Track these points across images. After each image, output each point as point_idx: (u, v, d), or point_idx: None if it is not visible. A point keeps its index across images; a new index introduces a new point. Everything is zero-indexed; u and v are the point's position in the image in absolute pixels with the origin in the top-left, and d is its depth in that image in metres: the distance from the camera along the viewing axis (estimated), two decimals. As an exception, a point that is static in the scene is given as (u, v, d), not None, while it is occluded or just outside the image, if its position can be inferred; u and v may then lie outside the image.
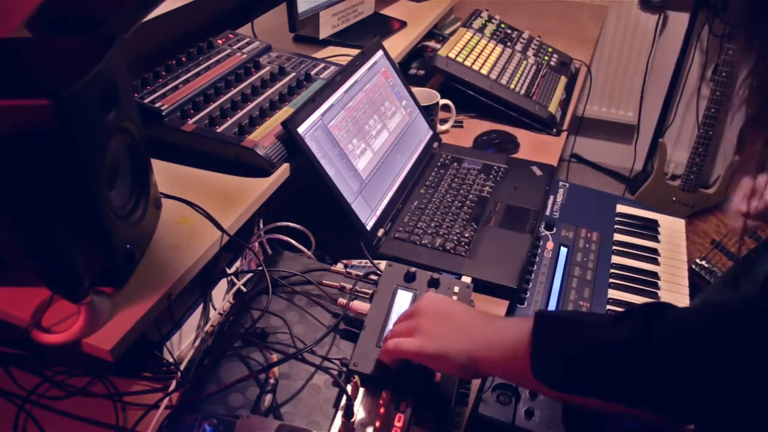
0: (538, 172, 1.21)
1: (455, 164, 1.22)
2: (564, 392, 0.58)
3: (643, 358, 0.53)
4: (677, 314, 0.55)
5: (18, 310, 0.70)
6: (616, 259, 1.08)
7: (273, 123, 0.98)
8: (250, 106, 1.02)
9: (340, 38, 1.42)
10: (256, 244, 0.93)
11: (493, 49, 1.55)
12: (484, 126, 1.42)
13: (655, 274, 1.06)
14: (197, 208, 0.85)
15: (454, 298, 0.82)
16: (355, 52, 1.22)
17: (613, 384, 0.55)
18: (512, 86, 1.44)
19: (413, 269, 0.85)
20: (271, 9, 1.56)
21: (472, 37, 1.54)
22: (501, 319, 0.67)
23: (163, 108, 0.95)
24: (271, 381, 0.72)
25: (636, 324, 0.54)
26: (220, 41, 1.19)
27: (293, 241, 0.91)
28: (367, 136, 1.08)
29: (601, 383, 0.56)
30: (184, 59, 1.10)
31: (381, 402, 0.70)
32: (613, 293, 1.00)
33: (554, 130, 1.41)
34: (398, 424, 0.68)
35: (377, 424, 0.68)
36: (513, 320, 0.66)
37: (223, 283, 0.91)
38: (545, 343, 0.59)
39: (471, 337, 0.66)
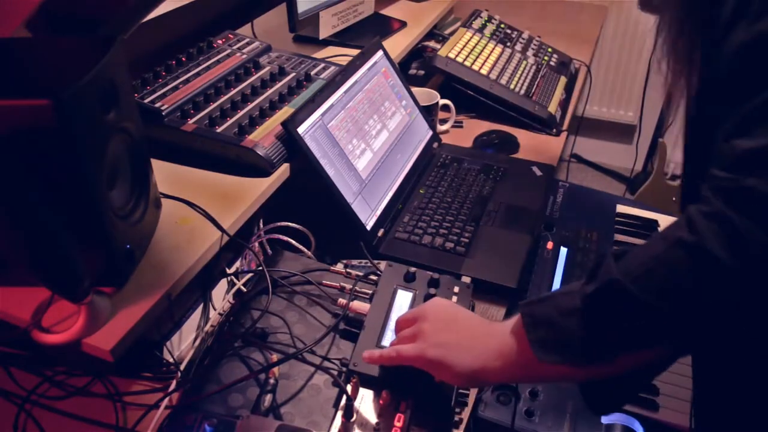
0: (538, 172, 1.21)
1: (455, 164, 1.22)
2: (569, 362, 0.57)
3: (618, 296, 0.53)
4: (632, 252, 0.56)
5: (18, 310, 0.70)
6: (616, 259, 1.07)
7: (273, 123, 0.98)
8: (250, 106, 1.02)
9: (340, 38, 1.42)
10: (256, 244, 0.93)
11: (493, 49, 1.55)
12: (484, 126, 1.42)
13: (655, 274, 1.06)
14: (197, 208, 0.85)
15: (454, 298, 0.82)
16: (355, 52, 1.22)
17: (602, 333, 0.55)
18: (512, 86, 1.44)
19: (413, 269, 0.85)
20: (271, 9, 1.56)
21: (471, 37, 1.54)
22: (496, 323, 0.67)
23: (163, 108, 0.95)
24: (271, 381, 0.72)
25: (600, 272, 0.56)
26: (220, 41, 1.19)
27: (293, 241, 0.91)
28: (367, 136, 1.08)
29: (593, 337, 0.56)
30: (184, 59, 1.10)
31: (381, 402, 0.70)
32: (613, 293, 1.00)
33: (554, 130, 1.41)
34: (398, 424, 0.68)
35: (377, 424, 0.68)
36: (506, 321, 0.66)
37: (223, 283, 0.91)
38: (537, 322, 0.59)
39: (472, 347, 0.65)
